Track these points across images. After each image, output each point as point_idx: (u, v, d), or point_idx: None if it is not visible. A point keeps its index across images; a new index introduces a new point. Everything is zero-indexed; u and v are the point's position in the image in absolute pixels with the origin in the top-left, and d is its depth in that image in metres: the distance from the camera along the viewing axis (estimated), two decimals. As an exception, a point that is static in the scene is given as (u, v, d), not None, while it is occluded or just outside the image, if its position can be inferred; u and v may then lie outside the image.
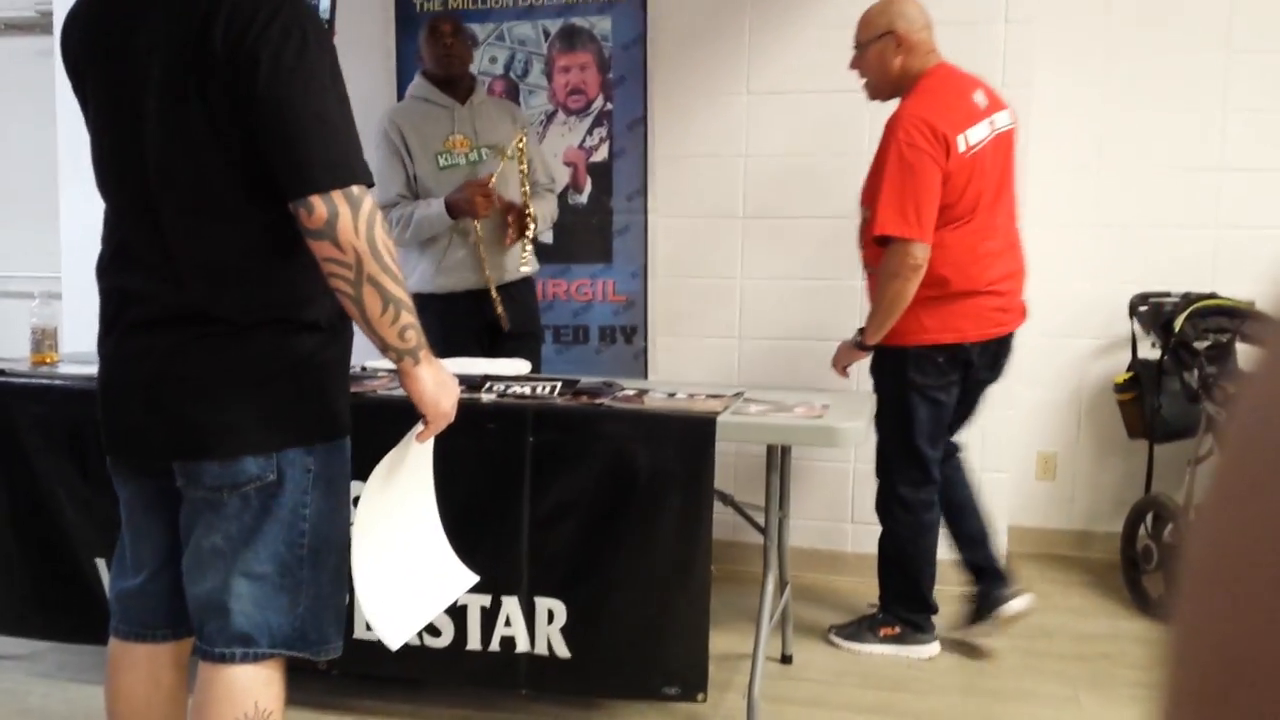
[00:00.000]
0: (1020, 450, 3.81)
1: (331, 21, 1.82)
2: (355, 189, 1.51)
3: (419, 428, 1.72)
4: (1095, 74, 3.74)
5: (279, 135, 1.49)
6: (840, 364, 3.05)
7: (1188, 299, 3.45)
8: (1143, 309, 3.56)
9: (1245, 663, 0.27)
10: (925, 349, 2.87)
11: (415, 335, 1.61)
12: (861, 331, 2.94)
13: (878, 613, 3.10)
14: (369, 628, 2.49)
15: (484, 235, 3.21)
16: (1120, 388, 3.58)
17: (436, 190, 3.18)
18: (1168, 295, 3.55)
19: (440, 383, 1.68)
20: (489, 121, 3.33)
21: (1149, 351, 3.54)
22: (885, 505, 3.05)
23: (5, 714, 2.63)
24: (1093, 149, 3.77)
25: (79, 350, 3.05)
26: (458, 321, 3.21)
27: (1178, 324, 3.35)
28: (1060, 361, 3.87)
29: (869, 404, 2.65)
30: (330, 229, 1.49)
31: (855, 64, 2.93)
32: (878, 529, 3.61)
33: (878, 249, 2.83)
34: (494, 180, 3.13)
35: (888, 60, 2.83)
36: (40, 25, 4.71)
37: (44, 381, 2.72)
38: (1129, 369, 3.60)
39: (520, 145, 3.24)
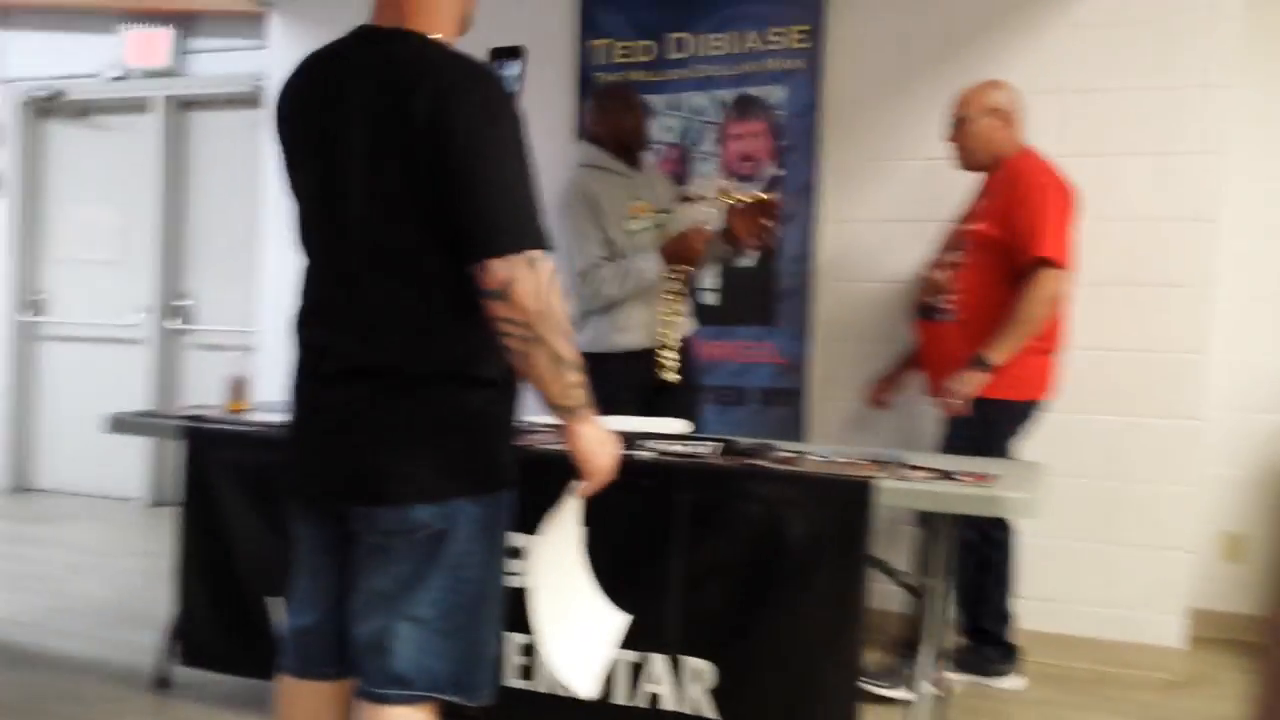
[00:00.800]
0: (1205, 529, 3.59)
1: (519, 90, 1.91)
2: (535, 253, 1.59)
3: (579, 483, 1.76)
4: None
5: (468, 202, 1.59)
6: (962, 394, 2.99)
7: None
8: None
9: None
10: (1029, 405, 3.04)
11: (580, 394, 1.67)
12: (980, 360, 2.95)
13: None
14: (522, 676, 2.54)
15: (655, 297, 3.30)
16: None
17: (628, 253, 3.27)
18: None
19: (600, 440, 1.73)
20: (658, 187, 3.45)
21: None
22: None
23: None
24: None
25: (269, 400, 3.26)
26: (627, 380, 3.28)
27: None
28: (1253, 438, 3.64)
29: (1037, 474, 2.55)
30: (508, 291, 1.57)
31: (954, 137, 3.13)
32: (1047, 603, 3.46)
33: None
34: (709, 228, 3.23)
35: (994, 133, 3.08)
36: (255, 99, 5.11)
37: (237, 428, 2.91)
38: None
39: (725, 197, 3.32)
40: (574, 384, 1.66)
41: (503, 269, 1.56)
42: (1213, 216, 3.27)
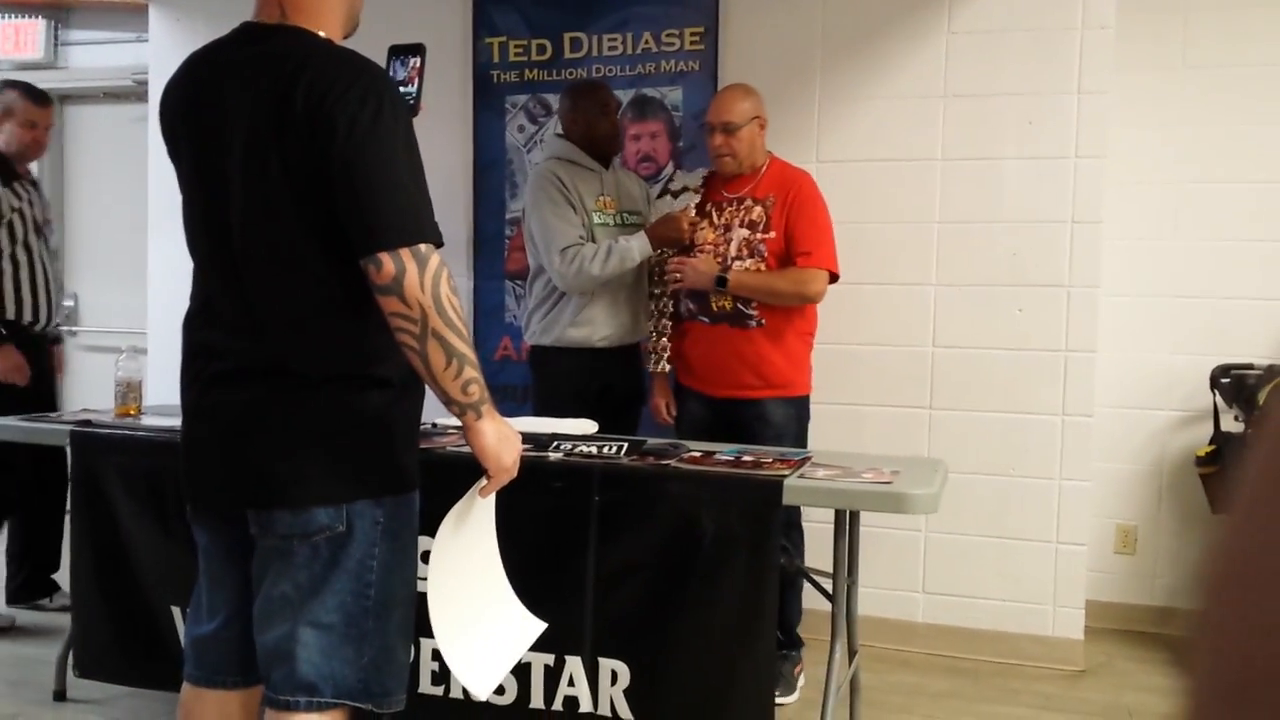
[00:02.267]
0: (1099, 523, 3.72)
1: (420, 86, 1.88)
2: (423, 247, 1.56)
3: (482, 482, 1.74)
4: (1172, 144, 3.70)
5: (351, 195, 1.56)
6: (695, 279, 3.09)
7: (1272, 371, 3.36)
8: (1225, 381, 3.47)
9: (1270, 659, 0.28)
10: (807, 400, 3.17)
11: (478, 390, 1.64)
12: (722, 279, 3.03)
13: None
14: (433, 683, 2.51)
15: (620, 294, 3.31)
16: (1202, 460, 3.49)
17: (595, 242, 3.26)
18: (1251, 367, 3.47)
19: (503, 437, 1.70)
20: (627, 187, 3.44)
21: (1232, 424, 3.44)
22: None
23: (79, 758, 2.68)
24: (1171, 219, 3.72)
25: (163, 403, 3.15)
26: (576, 375, 3.29)
27: (1262, 396, 3.26)
28: (1140, 433, 3.78)
29: (940, 471, 2.61)
30: (397, 285, 1.54)
31: (725, 144, 3.11)
32: (950, 598, 3.55)
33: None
34: (693, 211, 3.20)
35: (758, 140, 3.14)
36: (136, 94, 4.94)
37: (127, 433, 2.81)
38: (1211, 441, 3.50)
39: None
40: (472, 379, 1.62)
41: (390, 263, 1.54)
42: (1095, 218, 3.39)
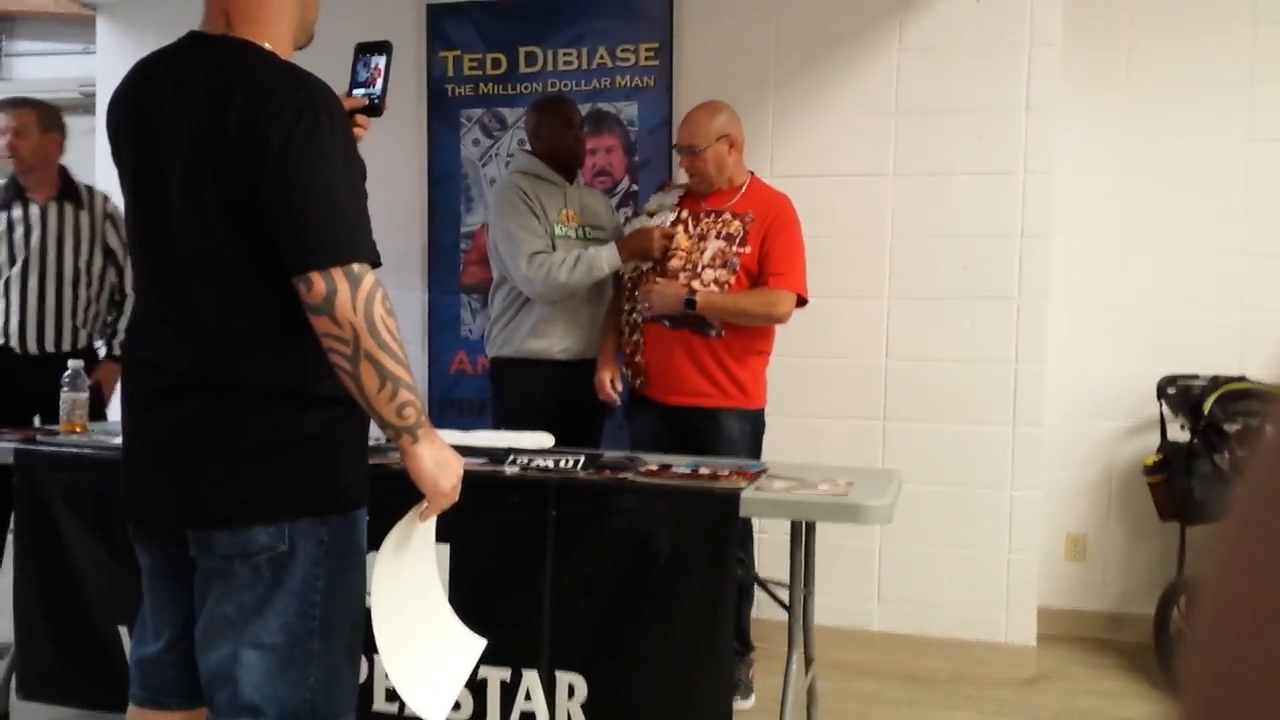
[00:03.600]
0: (1049, 531, 3.77)
1: (386, 85, 1.87)
2: (356, 267, 1.53)
3: (422, 505, 1.71)
4: (1119, 158, 3.77)
5: (284, 213, 1.53)
6: (660, 304, 3.09)
7: (1216, 381, 3.43)
8: (1171, 391, 3.54)
9: (1251, 685, 0.28)
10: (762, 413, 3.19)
11: (414, 413, 1.60)
12: (690, 300, 3.03)
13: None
14: (388, 700, 2.48)
15: (581, 308, 3.30)
16: (1150, 470, 3.55)
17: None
18: (1196, 378, 3.53)
19: (441, 462, 1.66)
20: (589, 202, 3.44)
21: (1179, 433, 3.50)
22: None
23: (22, 784, 2.61)
24: (1118, 232, 3.79)
25: (111, 421, 3.10)
26: (535, 388, 3.28)
27: (1207, 406, 3.33)
28: (1089, 443, 3.84)
29: (894, 482, 2.64)
30: (328, 304, 1.51)
31: (691, 166, 3.15)
32: (904, 606, 3.58)
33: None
34: (669, 226, 3.19)
35: (725, 158, 3.13)
36: (84, 106, 4.87)
37: (72, 450, 2.75)
38: (1158, 451, 3.56)
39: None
40: (406, 402, 1.58)
41: (321, 282, 1.50)
42: (1044, 232, 3.45)
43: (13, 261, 3.55)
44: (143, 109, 1.66)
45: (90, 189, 3.66)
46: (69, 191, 3.61)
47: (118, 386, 3.29)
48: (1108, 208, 3.80)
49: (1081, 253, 3.78)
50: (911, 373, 3.57)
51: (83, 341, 3.60)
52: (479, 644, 1.92)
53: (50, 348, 3.53)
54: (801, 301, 3.11)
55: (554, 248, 3.24)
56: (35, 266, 3.55)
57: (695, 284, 3.07)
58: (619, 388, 3.27)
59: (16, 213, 3.58)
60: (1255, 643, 0.29)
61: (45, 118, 3.59)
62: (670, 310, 3.07)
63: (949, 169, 3.52)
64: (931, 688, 3.36)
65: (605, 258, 3.18)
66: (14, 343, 3.55)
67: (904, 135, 3.56)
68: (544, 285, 3.19)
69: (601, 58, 3.85)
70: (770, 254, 3.07)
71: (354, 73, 1.85)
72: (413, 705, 1.75)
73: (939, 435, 3.55)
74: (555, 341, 3.28)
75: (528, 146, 3.49)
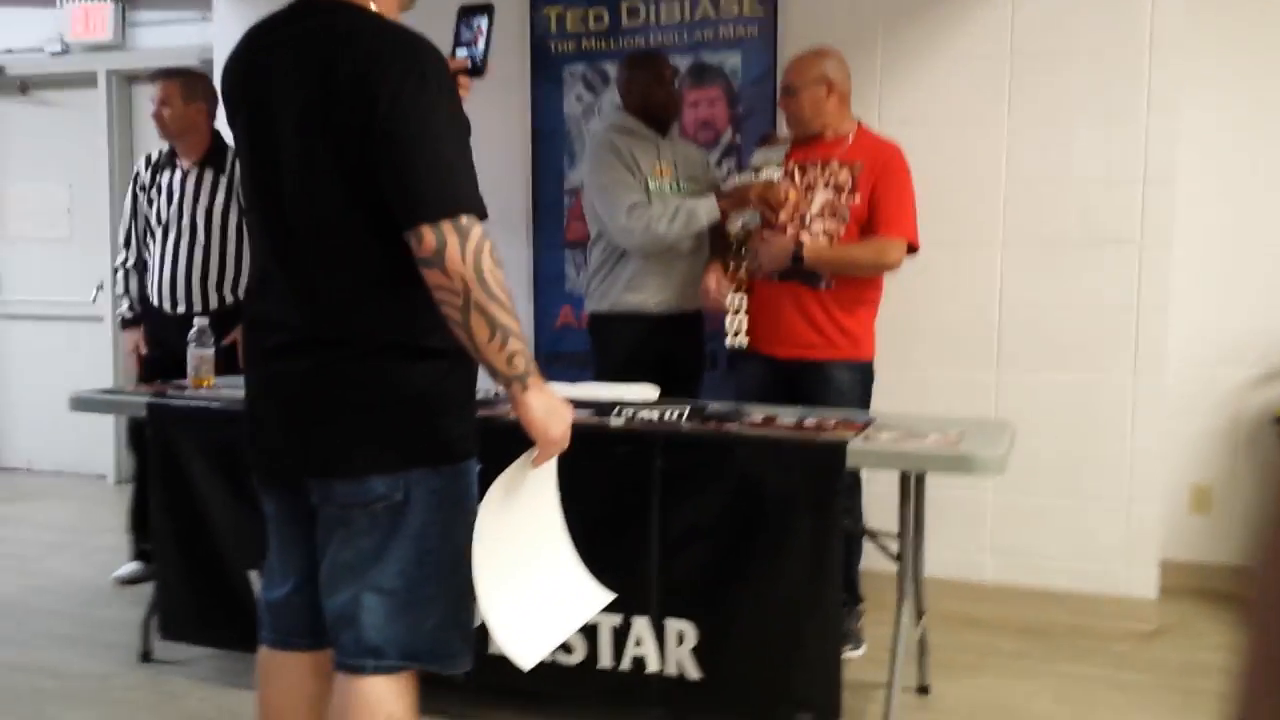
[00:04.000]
0: (1172, 482, 3.64)
1: (488, 47, 1.89)
2: (464, 219, 1.56)
3: (533, 452, 1.74)
4: (1246, 94, 3.57)
5: (394, 168, 1.57)
6: (774, 261, 3.05)
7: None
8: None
9: None
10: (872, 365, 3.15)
11: (523, 362, 1.64)
12: (798, 254, 2.98)
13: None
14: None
15: (676, 261, 3.30)
16: (1278, 418, 3.39)
17: None
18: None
19: (550, 410, 1.69)
20: (685, 156, 3.43)
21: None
22: None
23: (166, 717, 2.78)
24: (1246, 173, 3.60)
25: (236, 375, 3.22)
26: (635, 342, 3.30)
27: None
28: (1215, 391, 3.69)
29: (1007, 433, 2.58)
30: (439, 257, 1.54)
31: (784, 104, 3.13)
32: (1018, 559, 3.53)
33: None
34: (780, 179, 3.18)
35: (822, 102, 3.07)
36: (204, 72, 5.01)
37: (201, 404, 2.88)
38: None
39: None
40: (516, 351, 1.62)
41: (431, 235, 1.54)
42: (1167, 176, 3.30)
43: (161, 225, 3.76)
44: (256, 73, 1.71)
45: (224, 148, 3.79)
46: (213, 156, 3.77)
47: None
48: (1236, 147, 3.61)
49: (1207, 196, 3.61)
50: (1026, 321, 3.47)
51: (216, 303, 3.73)
52: (603, 598, 1.94)
53: (196, 307, 3.70)
54: (912, 249, 3.04)
55: (649, 201, 3.24)
56: (173, 230, 3.74)
57: (804, 236, 3.03)
58: (724, 291, 3.17)
59: (166, 178, 3.79)
60: None
61: (187, 86, 3.75)
62: (779, 265, 3.04)
63: (1066, 112, 3.39)
64: (1047, 640, 3.31)
65: (704, 210, 3.16)
66: (164, 303, 3.76)
67: (1019, 79, 3.44)
68: (643, 237, 3.20)
69: (704, 9, 3.80)
70: (880, 202, 3.01)
71: (457, 34, 1.87)
72: (503, 647, 1.76)
73: (1055, 385, 3.45)
74: (651, 295, 3.29)
75: (620, 102, 3.48)
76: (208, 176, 3.74)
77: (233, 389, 2.96)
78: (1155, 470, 3.41)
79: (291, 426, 1.71)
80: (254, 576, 2.71)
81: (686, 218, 3.16)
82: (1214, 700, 2.83)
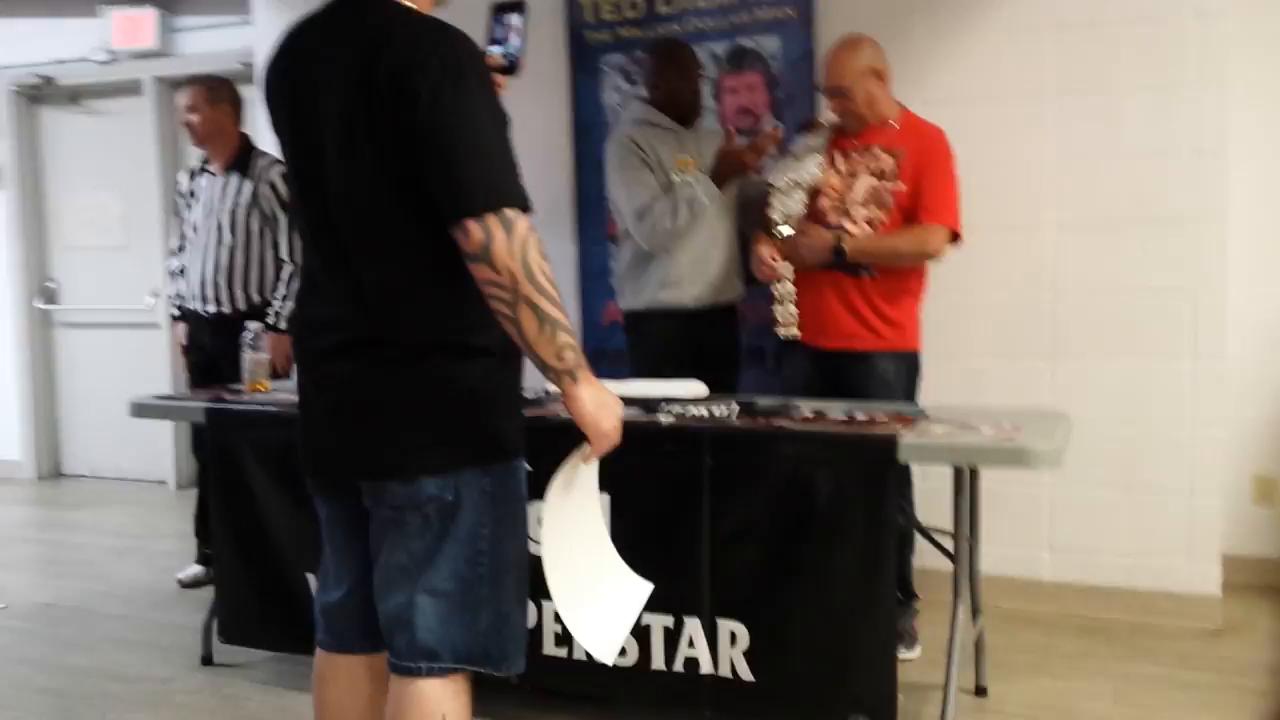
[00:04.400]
0: (1234, 473, 3.55)
1: (523, 44, 1.89)
2: (509, 212, 1.56)
3: (585, 448, 1.75)
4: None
5: (437, 163, 1.57)
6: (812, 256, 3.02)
7: None
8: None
9: None
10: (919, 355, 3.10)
11: (573, 355, 1.64)
12: (840, 248, 2.96)
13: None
14: (557, 645, 2.56)
15: (709, 251, 3.31)
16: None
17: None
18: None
19: (601, 403, 1.69)
20: (710, 144, 3.42)
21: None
22: None
23: (226, 718, 2.82)
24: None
25: (291, 380, 3.26)
26: (672, 337, 3.30)
27: None
28: (1278, 377, 3.59)
29: (1064, 424, 2.53)
30: (485, 252, 1.55)
31: (841, 108, 3.06)
32: (1076, 556, 3.46)
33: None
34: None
35: (878, 94, 3.04)
36: (245, 76, 5.08)
37: (257, 408, 2.92)
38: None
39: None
40: (566, 345, 1.62)
41: (478, 230, 1.54)
42: (1220, 150, 3.21)
43: (194, 229, 3.89)
44: (296, 73, 1.73)
45: (263, 156, 3.86)
46: (240, 161, 3.85)
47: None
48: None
49: (1265, 171, 3.51)
50: (1079, 306, 3.41)
51: (245, 303, 3.82)
52: (645, 587, 1.95)
53: (225, 307, 3.81)
54: (954, 237, 3.00)
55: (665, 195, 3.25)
56: (202, 233, 3.85)
57: (847, 223, 3.00)
58: (776, 260, 3.09)
59: (199, 182, 3.93)
60: None
61: (212, 91, 3.86)
62: (819, 261, 3.01)
63: (1115, 85, 3.31)
64: (1108, 639, 3.24)
65: (700, 190, 3.19)
66: (197, 304, 3.87)
67: (1066, 51, 3.37)
68: (655, 237, 3.24)
69: (740, -7, 3.78)
70: (922, 189, 2.97)
71: (490, 31, 1.88)
72: (587, 645, 1.80)
73: (1111, 373, 3.38)
74: (685, 290, 3.29)
75: (644, 94, 3.48)
76: (233, 180, 3.84)
77: (288, 392, 3.00)
78: (1216, 460, 3.32)
79: (342, 428, 1.73)
80: (312, 580, 2.74)
81: (689, 203, 3.20)
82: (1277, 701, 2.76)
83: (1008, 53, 3.44)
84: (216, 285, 3.81)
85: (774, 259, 3.07)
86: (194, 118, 3.84)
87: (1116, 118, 3.32)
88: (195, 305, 3.87)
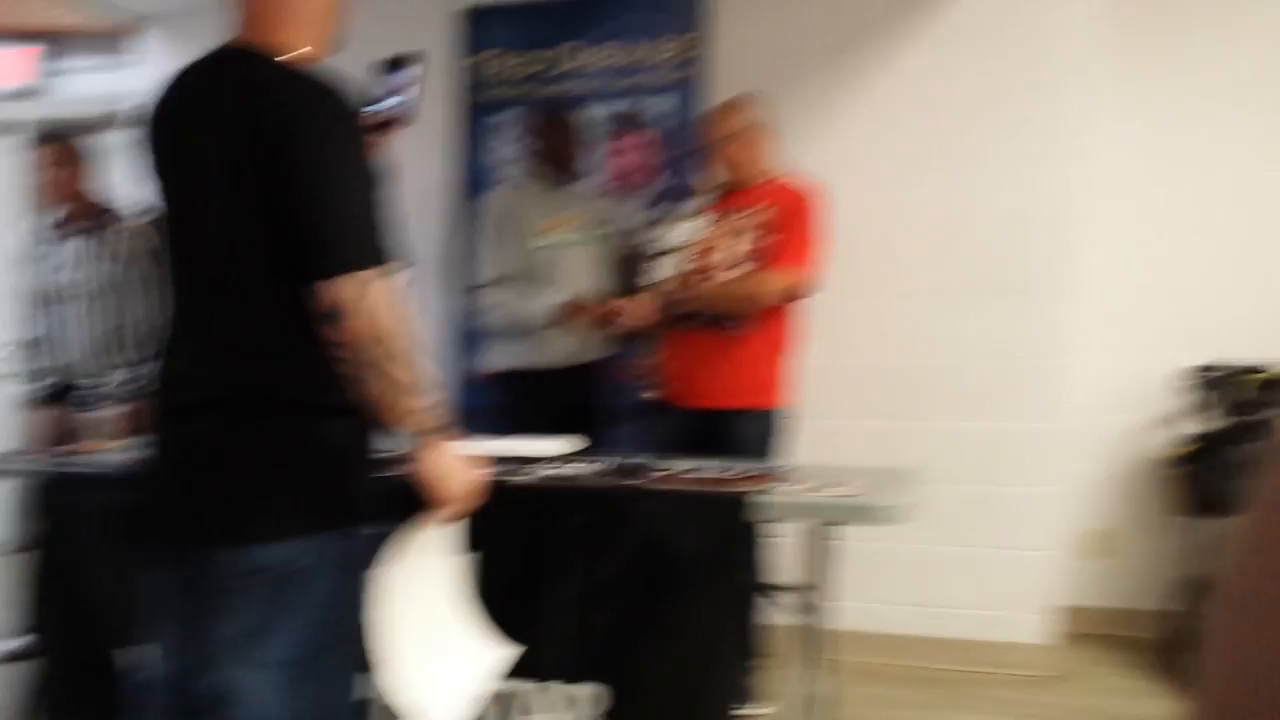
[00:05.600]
0: (1070, 527, 3.74)
1: (418, 98, 1.88)
2: (367, 273, 1.55)
3: (435, 512, 1.72)
4: (1142, 146, 3.74)
5: (301, 221, 1.55)
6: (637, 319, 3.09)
7: (1247, 370, 3.40)
8: (1200, 381, 3.50)
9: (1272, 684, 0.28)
10: (785, 413, 3.11)
11: (427, 419, 1.62)
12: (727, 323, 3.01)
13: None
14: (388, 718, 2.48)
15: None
16: (1176, 462, 3.51)
17: (539, 269, 3.28)
18: (1226, 367, 3.50)
19: (451, 467, 1.68)
20: (594, 206, 3.48)
21: (1206, 424, 3.47)
22: None
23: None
24: (1141, 221, 3.75)
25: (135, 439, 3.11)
26: (540, 398, 3.32)
27: (1237, 395, 3.30)
28: (1112, 436, 3.82)
29: (912, 482, 2.62)
30: (338, 312, 1.53)
31: (723, 156, 3.13)
32: (924, 608, 3.56)
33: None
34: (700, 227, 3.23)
35: (758, 149, 3.14)
36: (120, 121, 4.89)
37: (85, 469, 2.77)
38: (1185, 442, 3.53)
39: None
40: (419, 408, 1.60)
41: (332, 290, 1.53)
42: (1065, 224, 3.43)
43: (55, 293, 3.68)
44: (175, 123, 1.68)
45: (106, 212, 3.70)
46: (88, 220, 3.68)
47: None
48: (1132, 197, 3.77)
49: (1105, 243, 3.76)
50: (935, 369, 3.56)
51: (96, 369, 3.63)
52: (502, 654, 1.91)
53: (76, 373, 3.60)
54: (807, 284, 3.05)
55: (525, 268, 3.28)
56: (71, 299, 3.65)
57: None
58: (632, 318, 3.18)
59: (55, 244, 3.71)
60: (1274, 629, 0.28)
61: (60, 153, 3.68)
62: (644, 323, 3.06)
63: (972, 160, 3.51)
64: (952, 690, 3.35)
65: (537, 309, 3.24)
66: (63, 371, 3.66)
67: (927, 126, 3.55)
68: (488, 324, 3.36)
69: (635, 54, 3.85)
70: (780, 239, 3.03)
71: (382, 83, 1.87)
72: (414, 712, 1.73)
73: (960, 433, 3.53)
74: (551, 350, 3.31)
75: (523, 154, 3.54)
76: (81, 241, 3.66)
77: (122, 453, 2.86)
78: (1052, 516, 3.49)
79: (183, 490, 1.65)
80: (137, 652, 2.59)
81: (512, 319, 3.27)
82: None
83: (874, 127, 3.60)
84: (54, 349, 3.61)
85: (644, 317, 3.12)
86: (44, 180, 3.66)
87: (972, 192, 3.50)
88: (62, 372, 3.64)
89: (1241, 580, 0.31)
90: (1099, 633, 3.74)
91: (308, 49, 1.70)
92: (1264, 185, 3.65)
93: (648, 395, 3.19)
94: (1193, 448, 3.49)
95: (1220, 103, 3.67)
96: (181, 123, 1.67)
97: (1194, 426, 3.52)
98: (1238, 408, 3.31)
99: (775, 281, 3.01)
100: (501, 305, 3.27)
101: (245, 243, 1.60)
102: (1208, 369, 3.52)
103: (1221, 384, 3.43)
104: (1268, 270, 3.64)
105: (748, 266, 3.05)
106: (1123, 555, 3.84)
